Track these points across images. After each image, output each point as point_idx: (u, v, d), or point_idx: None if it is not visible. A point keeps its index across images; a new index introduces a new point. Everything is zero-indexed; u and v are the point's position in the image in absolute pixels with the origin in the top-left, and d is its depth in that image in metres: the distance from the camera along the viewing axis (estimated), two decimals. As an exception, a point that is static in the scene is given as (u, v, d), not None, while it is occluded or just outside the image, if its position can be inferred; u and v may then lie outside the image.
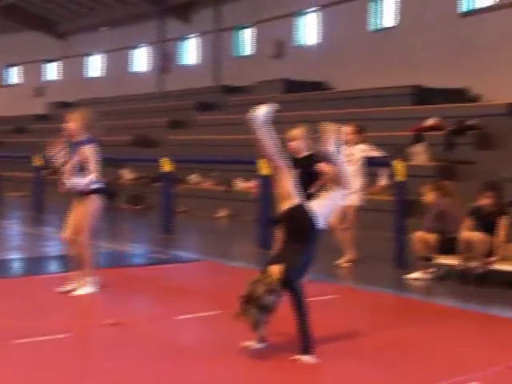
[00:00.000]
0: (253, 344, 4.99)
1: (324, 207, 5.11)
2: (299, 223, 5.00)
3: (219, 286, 7.54)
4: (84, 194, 6.78)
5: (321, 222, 5.04)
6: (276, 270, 4.81)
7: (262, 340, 5.01)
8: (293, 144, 7.23)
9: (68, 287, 6.81)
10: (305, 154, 7.22)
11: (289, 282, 4.77)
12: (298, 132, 7.28)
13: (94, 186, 6.81)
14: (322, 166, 7.02)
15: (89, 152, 6.76)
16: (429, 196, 8.20)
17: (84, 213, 6.79)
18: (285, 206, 5.08)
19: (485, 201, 7.51)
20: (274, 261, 4.96)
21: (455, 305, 6.66)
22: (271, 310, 4.73)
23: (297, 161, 6.92)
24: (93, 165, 6.75)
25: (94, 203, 6.82)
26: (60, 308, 6.36)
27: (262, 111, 5.23)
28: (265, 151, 5.22)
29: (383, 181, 8.99)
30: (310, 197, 6.50)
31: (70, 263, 7.01)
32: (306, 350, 4.75)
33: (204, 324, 5.96)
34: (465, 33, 16.92)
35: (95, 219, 6.86)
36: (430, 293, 7.51)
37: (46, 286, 6.94)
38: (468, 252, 7.52)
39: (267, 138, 5.19)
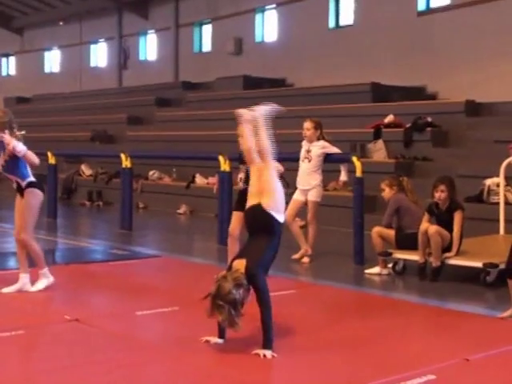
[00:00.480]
0: (213, 339, 4.99)
1: (279, 200, 5.14)
2: (260, 219, 5.06)
3: (179, 282, 7.51)
4: (21, 189, 6.64)
5: (280, 215, 5.10)
6: (240, 264, 4.84)
7: (221, 335, 5.01)
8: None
9: (12, 287, 6.70)
10: None
11: (252, 277, 4.80)
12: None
13: (29, 180, 6.63)
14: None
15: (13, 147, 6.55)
16: (386, 191, 8.27)
17: (22, 208, 6.64)
18: (251, 203, 5.13)
19: (438, 194, 7.59)
20: (238, 256, 4.99)
21: (413, 299, 6.74)
22: (242, 305, 4.74)
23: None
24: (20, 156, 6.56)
25: (31, 198, 6.63)
26: (15, 304, 6.26)
27: (263, 110, 5.25)
28: (249, 148, 5.21)
29: (343, 177, 9.04)
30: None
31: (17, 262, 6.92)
32: (267, 344, 4.77)
33: (163, 320, 5.93)
34: (422, 31, 17.10)
35: (34, 213, 6.65)
36: (389, 288, 7.58)
37: (1, 282, 6.83)
38: (425, 247, 7.60)
39: (264, 136, 5.22)
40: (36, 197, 6.65)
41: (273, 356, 4.71)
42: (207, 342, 4.99)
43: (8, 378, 4.32)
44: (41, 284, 6.77)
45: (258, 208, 5.08)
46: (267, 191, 5.12)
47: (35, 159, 6.54)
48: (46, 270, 6.83)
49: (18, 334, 5.25)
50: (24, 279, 6.73)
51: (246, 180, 7.02)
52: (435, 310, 6.12)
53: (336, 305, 6.21)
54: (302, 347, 5.11)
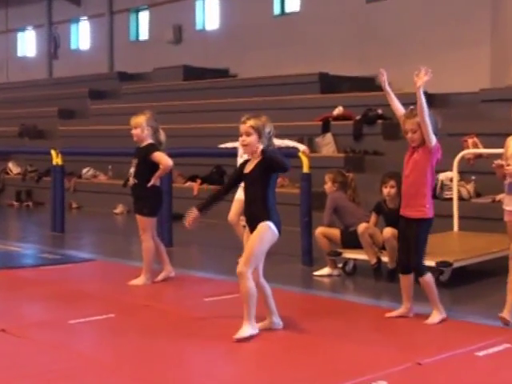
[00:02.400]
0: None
1: None
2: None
3: (115, 287, 7.44)
4: None
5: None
6: None
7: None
8: (135, 132, 7.46)
9: None
10: (146, 142, 7.47)
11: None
12: (140, 119, 7.43)
13: None
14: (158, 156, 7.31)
15: None
16: (328, 185, 8.29)
17: None
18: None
19: (387, 190, 7.63)
20: None
21: (364, 301, 6.79)
22: None
23: (138, 150, 7.44)
24: None
25: None
26: None
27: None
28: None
29: (300, 147, 9.01)
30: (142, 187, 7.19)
31: None
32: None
33: (98, 328, 5.87)
34: (371, 19, 17.30)
35: None
36: (338, 289, 7.65)
37: None
38: (371, 246, 7.67)
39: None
40: None
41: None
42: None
43: None
44: None
45: None
46: None
47: None
48: None
49: None
50: None
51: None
52: (387, 311, 6.17)
53: (282, 308, 6.20)
54: (245, 351, 5.12)
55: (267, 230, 5.42)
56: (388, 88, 6.14)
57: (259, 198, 5.46)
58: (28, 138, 19.70)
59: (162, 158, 7.38)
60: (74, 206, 15.55)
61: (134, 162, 7.46)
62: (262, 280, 5.62)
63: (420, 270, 5.94)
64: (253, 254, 5.37)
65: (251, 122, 5.50)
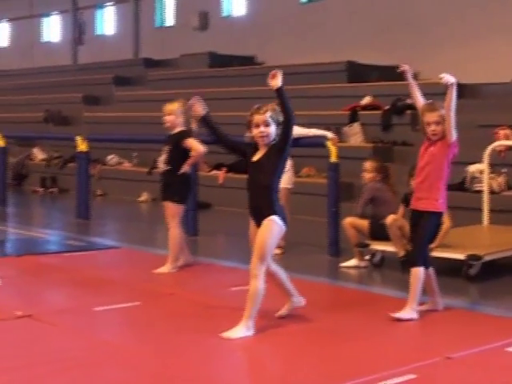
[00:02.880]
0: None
1: None
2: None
3: (140, 275, 7.49)
4: None
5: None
6: None
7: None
8: (169, 118, 7.53)
9: None
10: (179, 129, 7.55)
11: None
12: (174, 106, 7.52)
13: None
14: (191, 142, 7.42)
15: None
16: (369, 175, 8.16)
17: None
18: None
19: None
20: None
21: (392, 293, 6.78)
22: None
23: (170, 136, 7.53)
24: None
25: None
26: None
27: None
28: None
29: (325, 133, 8.98)
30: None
31: None
32: None
33: (124, 316, 5.92)
34: (403, 6, 17.16)
35: None
36: (366, 281, 7.64)
37: None
38: (399, 239, 7.64)
39: None
40: None
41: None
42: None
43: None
44: None
45: None
46: None
47: None
48: None
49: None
50: None
51: None
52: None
53: (309, 300, 6.22)
54: (273, 345, 5.14)
55: (274, 226, 5.40)
56: (411, 79, 6.09)
57: (265, 189, 5.42)
58: (53, 124, 19.82)
59: (195, 145, 7.45)
60: (99, 193, 15.62)
61: (166, 148, 7.50)
62: (274, 266, 5.64)
63: (415, 261, 5.87)
64: (263, 252, 5.34)
65: (269, 112, 5.47)
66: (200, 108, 5.79)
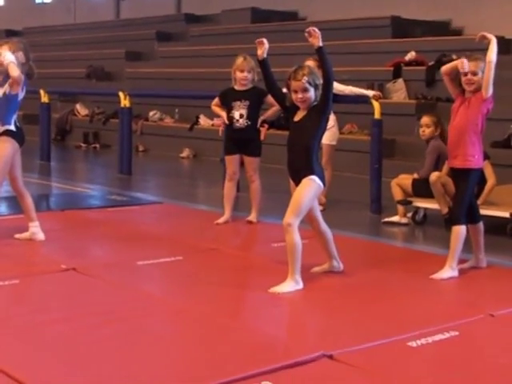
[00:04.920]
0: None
1: None
2: None
3: (182, 230, 7.54)
4: None
5: None
6: None
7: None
8: (249, 76, 7.67)
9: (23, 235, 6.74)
10: (251, 85, 7.70)
11: None
12: (253, 63, 7.61)
13: (9, 128, 6.39)
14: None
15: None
16: (430, 130, 7.89)
17: None
18: None
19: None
20: None
21: (434, 251, 6.74)
22: None
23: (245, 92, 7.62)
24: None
25: (6, 146, 6.36)
26: (8, 253, 6.30)
27: None
28: None
29: (368, 92, 8.90)
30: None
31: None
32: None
33: (166, 270, 5.96)
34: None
35: (5, 165, 6.37)
36: (408, 238, 7.61)
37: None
38: (443, 196, 7.56)
39: None
40: (13, 147, 6.39)
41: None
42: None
43: (2, 329, 4.37)
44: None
45: None
46: None
47: (15, 72, 6.18)
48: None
49: (12, 284, 5.30)
50: (33, 228, 6.73)
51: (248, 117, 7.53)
52: (459, 262, 6.11)
53: (351, 256, 6.22)
54: (315, 300, 5.15)
55: (313, 185, 5.40)
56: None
57: (305, 149, 5.42)
58: (95, 79, 19.88)
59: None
60: (141, 148, 15.69)
61: (243, 104, 7.55)
62: (324, 225, 5.65)
63: (455, 219, 5.81)
64: (299, 207, 5.34)
65: (306, 77, 5.40)
66: (263, 50, 5.95)
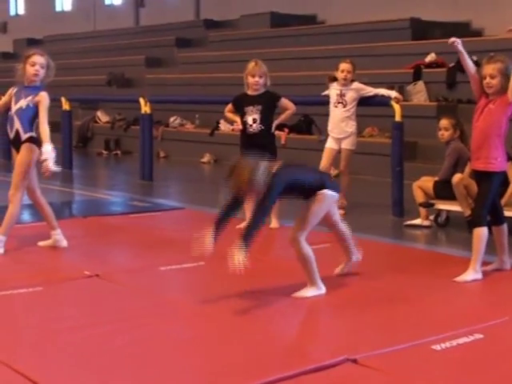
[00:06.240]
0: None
1: None
2: None
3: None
4: (17, 142, 6.46)
5: None
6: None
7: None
8: (261, 81, 7.61)
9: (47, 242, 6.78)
10: (263, 90, 7.67)
11: (272, 175, 5.08)
12: (265, 68, 7.68)
13: (31, 135, 6.45)
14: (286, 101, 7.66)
15: (46, 101, 6.47)
16: (449, 132, 7.84)
17: (17, 163, 6.46)
18: None
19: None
20: None
21: (457, 253, 6.71)
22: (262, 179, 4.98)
23: (257, 97, 7.58)
24: (45, 113, 6.46)
25: (29, 153, 6.43)
26: (32, 259, 6.35)
27: None
28: None
29: (391, 93, 8.85)
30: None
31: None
32: (243, 239, 4.97)
33: (189, 276, 5.98)
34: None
35: (28, 170, 6.44)
36: (431, 241, 7.57)
37: (16, 236, 6.89)
38: (465, 198, 7.51)
39: None
40: (35, 153, 6.45)
41: (239, 262, 4.87)
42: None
43: (26, 336, 4.40)
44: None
45: None
46: None
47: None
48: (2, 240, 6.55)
49: (36, 291, 5.33)
50: (55, 236, 6.77)
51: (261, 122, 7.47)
52: (482, 264, 6.07)
53: (373, 259, 6.20)
54: (338, 304, 5.14)
55: (323, 200, 5.29)
56: (461, 48, 5.88)
57: None
58: (116, 86, 19.98)
59: (289, 103, 7.65)
60: (162, 154, 15.74)
61: (255, 109, 7.52)
62: (342, 227, 5.64)
63: (477, 221, 5.79)
64: (306, 223, 5.26)
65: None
66: None
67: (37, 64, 6.46)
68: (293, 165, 5.43)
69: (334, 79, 8.74)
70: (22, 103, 6.42)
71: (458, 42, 5.82)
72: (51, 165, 6.18)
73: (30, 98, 6.40)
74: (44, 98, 6.40)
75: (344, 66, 8.61)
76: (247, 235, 4.94)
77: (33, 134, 6.47)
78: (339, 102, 8.68)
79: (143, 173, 11.77)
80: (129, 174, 13.06)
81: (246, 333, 4.50)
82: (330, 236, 5.78)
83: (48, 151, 6.20)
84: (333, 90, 8.74)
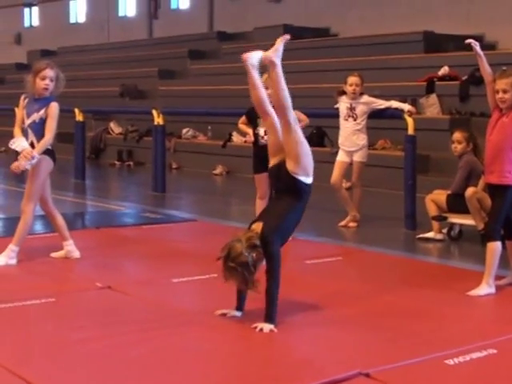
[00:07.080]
0: (230, 312, 5.02)
1: (307, 164, 5.00)
2: (285, 182, 5.00)
3: (216, 247, 7.49)
4: None
5: (308, 178, 5.01)
6: (258, 227, 4.88)
7: (240, 307, 5.02)
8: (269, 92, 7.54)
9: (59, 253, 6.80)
10: None
11: (266, 244, 4.80)
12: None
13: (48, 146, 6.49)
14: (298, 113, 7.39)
15: (55, 110, 6.51)
16: (461, 146, 7.80)
17: (31, 175, 6.48)
18: (273, 161, 5.08)
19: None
20: (258, 218, 5.03)
21: (470, 267, 6.67)
22: (255, 267, 4.74)
23: None
24: (54, 124, 6.50)
25: (43, 165, 6.44)
26: (44, 271, 6.35)
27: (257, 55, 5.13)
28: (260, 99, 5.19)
29: (404, 106, 8.82)
30: None
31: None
32: (268, 318, 4.74)
33: (201, 288, 5.97)
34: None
35: (42, 182, 6.49)
36: (444, 254, 7.54)
37: (29, 247, 6.91)
38: (479, 212, 7.48)
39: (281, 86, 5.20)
40: (49, 164, 6.50)
41: (271, 331, 4.66)
42: (223, 315, 5.00)
43: (39, 347, 4.40)
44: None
45: (283, 169, 4.97)
46: (293, 156, 4.94)
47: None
48: (15, 250, 6.55)
49: (48, 302, 5.34)
50: (68, 247, 6.79)
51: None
52: (495, 278, 6.05)
53: (386, 272, 6.19)
54: (350, 318, 5.11)
55: None
56: (480, 51, 5.89)
57: None
58: (129, 98, 20.05)
59: (302, 115, 7.51)
60: (174, 166, 15.77)
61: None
62: None
63: (491, 235, 5.76)
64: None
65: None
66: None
67: (47, 78, 6.50)
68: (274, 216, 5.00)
69: (343, 93, 8.75)
70: (35, 117, 6.47)
71: (475, 43, 5.82)
72: (24, 163, 6.22)
73: (42, 111, 6.44)
74: (54, 107, 6.45)
75: (352, 79, 8.62)
76: (271, 312, 4.77)
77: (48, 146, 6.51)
78: (350, 116, 8.69)
79: (156, 184, 11.79)
80: (141, 186, 13.08)
81: (258, 346, 4.49)
82: (341, 249, 5.74)
83: (24, 147, 6.28)
84: (342, 104, 8.74)
